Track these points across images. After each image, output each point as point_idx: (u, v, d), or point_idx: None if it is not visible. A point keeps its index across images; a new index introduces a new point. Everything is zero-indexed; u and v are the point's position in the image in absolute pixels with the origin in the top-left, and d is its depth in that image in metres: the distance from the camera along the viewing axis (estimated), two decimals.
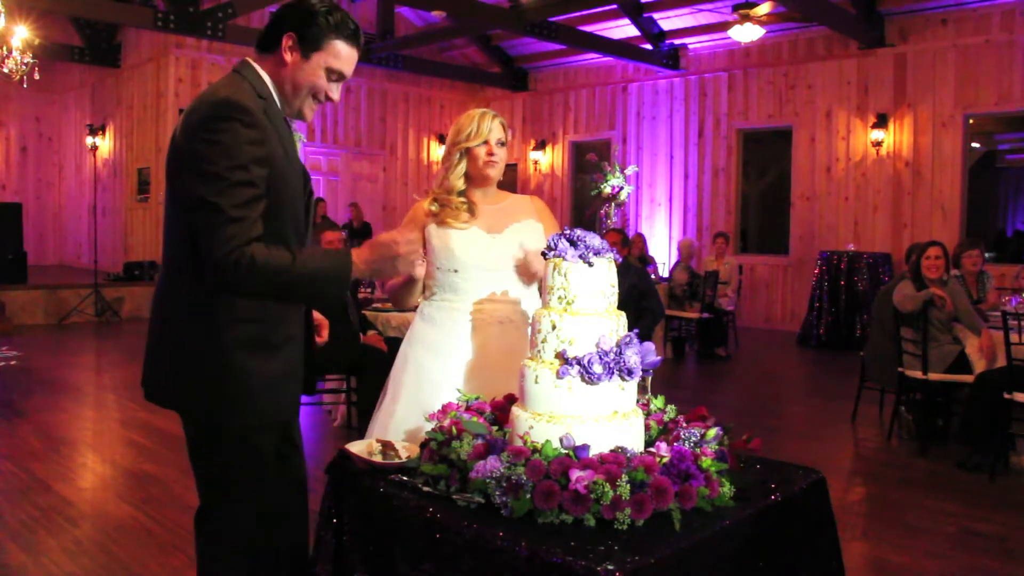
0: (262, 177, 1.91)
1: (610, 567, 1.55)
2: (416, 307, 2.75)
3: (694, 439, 1.94)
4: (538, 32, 11.40)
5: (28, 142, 15.50)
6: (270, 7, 12.04)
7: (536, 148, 14.70)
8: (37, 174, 15.62)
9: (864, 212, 11.14)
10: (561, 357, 1.87)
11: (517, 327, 2.57)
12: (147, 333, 2.10)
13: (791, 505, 2.01)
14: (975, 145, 11.50)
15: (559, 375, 1.86)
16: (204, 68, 12.60)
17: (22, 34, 9.42)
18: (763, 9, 10.06)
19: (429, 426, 2.11)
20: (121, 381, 7.50)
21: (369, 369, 5.11)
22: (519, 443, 1.87)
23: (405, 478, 2.00)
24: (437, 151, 14.99)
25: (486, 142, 2.60)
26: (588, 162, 12.13)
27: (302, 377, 2.17)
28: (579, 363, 1.84)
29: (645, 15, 12.23)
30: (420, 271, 2.46)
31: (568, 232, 1.99)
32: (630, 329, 1.94)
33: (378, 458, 2.07)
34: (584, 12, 11.36)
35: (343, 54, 2.03)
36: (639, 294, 6.38)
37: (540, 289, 2.58)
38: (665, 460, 1.85)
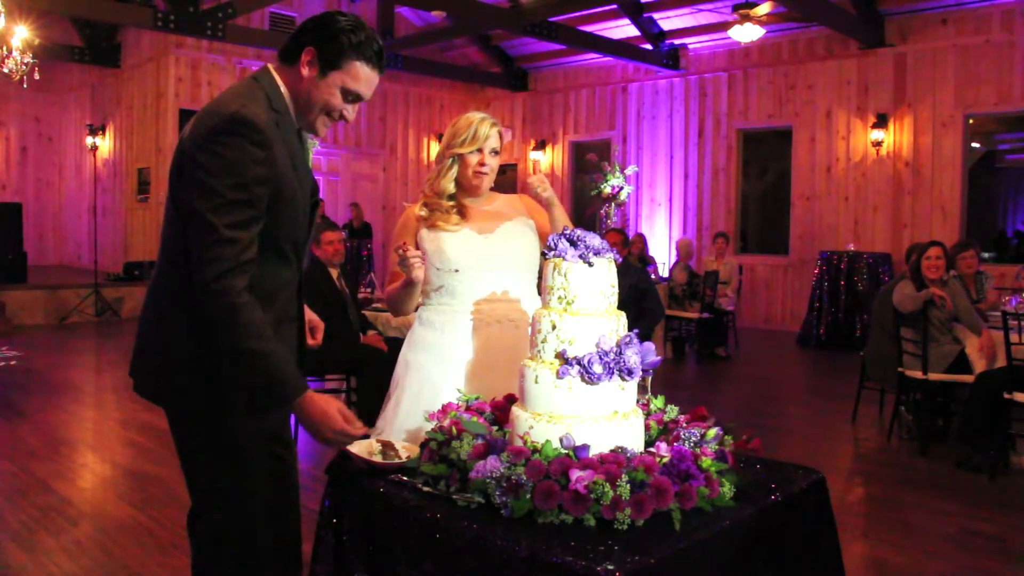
0: (261, 198, 1.89)
1: (610, 567, 1.55)
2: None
3: (694, 439, 1.94)
4: (538, 32, 11.40)
5: (28, 142, 15.49)
6: (270, 7, 12.08)
7: (536, 148, 14.69)
8: (37, 174, 15.60)
9: (864, 212, 11.13)
10: (561, 357, 1.87)
11: (516, 326, 2.56)
12: (138, 323, 2.08)
13: (791, 505, 2.00)
14: (975, 145, 11.50)
15: (559, 375, 1.86)
16: (204, 68, 12.60)
17: (22, 34, 9.41)
18: (763, 9, 10.06)
19: (429, 426, 2.11)
20: (121, 381, 7.49)
21: (369, 369, 5.11)
22: (519, 443, 1.87)
23: (405, 478, 2.00)
24: (437, 151, 14.94)
25: (480, 150, 2.58)
26: (588, 162, 12.12)
27: None
28: (579, 363, 1.84)
29: (645, 15, 12.22)
30: (419, 274, 2.46)
31: (568, 232, 1.99)
32: (630, 329, 1.94)
33: (378, 458, 2.07)
34: (584, 12, 11.35)
35: (362, 76, 1.99)
36: (639, 294, 6.38)
37: (540, 289, 2.58)
38: (665, 460, 1.85)
